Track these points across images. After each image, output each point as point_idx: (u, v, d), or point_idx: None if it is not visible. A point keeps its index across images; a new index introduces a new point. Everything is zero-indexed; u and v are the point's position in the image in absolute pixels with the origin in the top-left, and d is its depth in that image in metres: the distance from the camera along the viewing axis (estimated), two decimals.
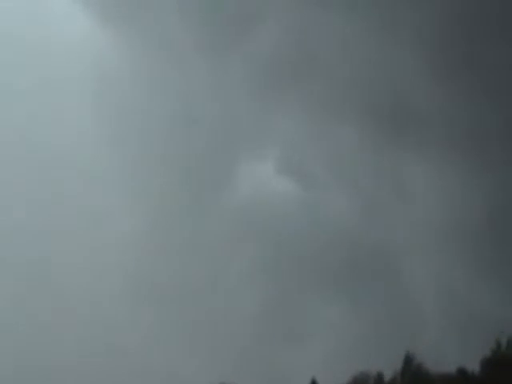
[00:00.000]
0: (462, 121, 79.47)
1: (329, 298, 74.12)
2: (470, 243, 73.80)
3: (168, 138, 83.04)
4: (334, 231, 77.87)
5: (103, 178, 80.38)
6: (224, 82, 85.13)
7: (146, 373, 68.47)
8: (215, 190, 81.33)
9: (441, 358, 62.69)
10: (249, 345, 70.60)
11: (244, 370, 66.27)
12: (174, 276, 75.21)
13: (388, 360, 64.09)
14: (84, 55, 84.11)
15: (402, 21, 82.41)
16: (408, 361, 62.24)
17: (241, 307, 73.79)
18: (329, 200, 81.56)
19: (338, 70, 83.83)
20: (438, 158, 79.95)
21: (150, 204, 79.66)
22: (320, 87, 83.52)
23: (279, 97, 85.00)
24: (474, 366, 61.49)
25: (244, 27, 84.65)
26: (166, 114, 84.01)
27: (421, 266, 75.74)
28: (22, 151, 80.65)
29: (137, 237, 76.82)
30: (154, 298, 73.38)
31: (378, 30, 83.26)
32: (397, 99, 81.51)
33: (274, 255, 76.68)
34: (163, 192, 79.62)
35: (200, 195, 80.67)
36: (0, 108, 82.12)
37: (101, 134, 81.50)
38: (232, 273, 76.04)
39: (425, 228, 77.44)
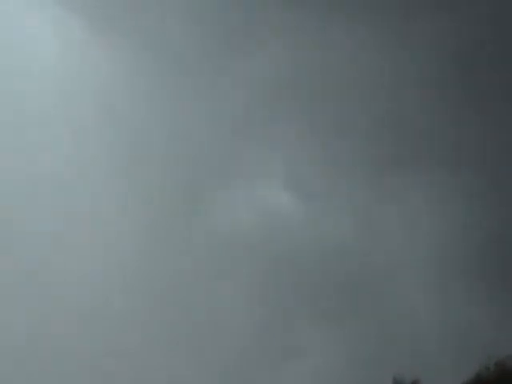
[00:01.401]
0: (464, 144, 79.90)
1: (324, 317, 73.34)
2: (467, 267, 73.73)
3: (165, 152, 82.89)
4: (333, 249, 77.49)
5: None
6: (224, 96, 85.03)
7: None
8: (201, 216, 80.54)
9: (433, 381, 63.12)
10: (239, 363, 69.74)
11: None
12: (166, 290, 74.27)
13: (379, 381, 64.49)
14: (78, 68, 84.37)
15: (405, 45, 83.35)
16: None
17: (234, 324, 73.08)
18: (329, 218, 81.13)
19: (340, 88, 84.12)
20: (440, 179, 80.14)
21: (145, 220, 79.09)
22: (323, 105, 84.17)
23: (281, 113, 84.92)
24: None
25: (245, 40, 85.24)
26: (163, 124, 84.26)
27: (418, 288, 75.12)
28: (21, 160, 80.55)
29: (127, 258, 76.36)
30: (148, 313, 72.54)
31: (381, 51, 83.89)
32: (399, 119, 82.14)
33: (271, 271, 76.15)
34: (159, 205, 79.31)
35: (198, 209, 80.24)
36: None
37: (96, 145, 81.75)
38: (226, 288, 75.15)
39: (426, 255, 77.23)
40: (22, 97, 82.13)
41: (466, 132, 79.61)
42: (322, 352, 71.50)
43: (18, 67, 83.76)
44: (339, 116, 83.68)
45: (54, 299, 71.70)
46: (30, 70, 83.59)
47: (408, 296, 74.67)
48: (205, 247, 78.08)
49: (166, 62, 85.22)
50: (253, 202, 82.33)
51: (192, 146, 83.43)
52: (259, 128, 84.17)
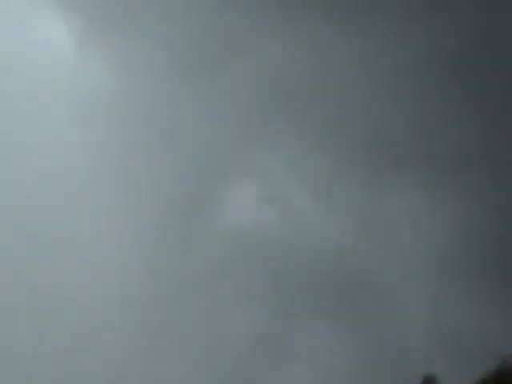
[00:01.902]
0: (464, 144, 79.77)
1: (318, 323, 73.70)
2: (468, 266, 73.74)
3: (153, 163, 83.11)
4: (333, 249, 78.05)
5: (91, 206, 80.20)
6: (209, 111, 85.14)
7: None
8: (201, 216, 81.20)
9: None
10: (239, 368, 70.21)
11: None
12: (162, 300, 74.48)
13: (382, 381, 64.57)
14: (71, 81, 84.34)
15: (393, 50, 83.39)
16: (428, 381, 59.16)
17: (230, 332, 73.43)
18: (315, 227, 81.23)
19: (323, 101, 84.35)
20: (422, 184, 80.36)
21: (136, 233, 79.35)
22: (306, 116, 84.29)
23: (263, 126, 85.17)
24: None
25: (232, 57, 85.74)
26: (150, 138, 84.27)
27: (412, 292, 75.53)
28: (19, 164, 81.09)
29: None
30: (146, 314, 73.03)
31: (367, 59, 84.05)
32: (382, 127, 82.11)
33: (264, 280, 76.32)
34: (149, 218, 79.50)
35: (186, 220, 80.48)
36: None
37: (88, 157, 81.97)
38: (221, 297, 75.48)
39: (414, 254, 77.62)
40: (17, 95, 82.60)
41: (466, 131, 79.64)
42: (324, 352, 71.87)
43: (16, 66, 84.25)
44: (339, 115, 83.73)
45: (56, 301, 72.07)
46: (28, 69, 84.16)
47: (409, 296, 74.94)
48: (208, 247, 78.54)
49: (167, 62, 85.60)
50: (252, 201, 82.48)
51: (195, 144, 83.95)
52: (259, 127, 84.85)
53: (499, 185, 75.99)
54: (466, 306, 71.73)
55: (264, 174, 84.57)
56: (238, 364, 70.61)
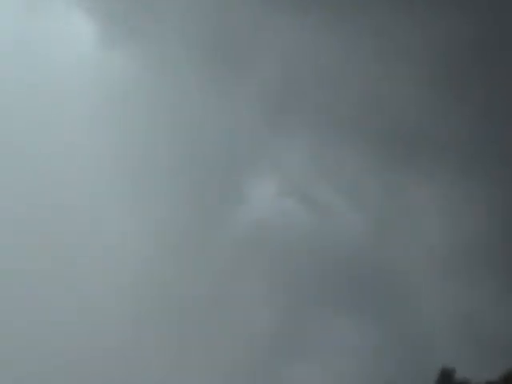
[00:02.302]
0: (467, 142, 79.06)
1: (339, 316, 73.54)
2: (478, 259, 73.26)
3: (173, 159, 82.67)
4: (341, 250, 77.40)
5: (106, 196, 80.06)
6: (230, 105, 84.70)
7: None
8: (221, 210, 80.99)
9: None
10: (259, 359, 70.13)
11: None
12: (180, 292, 74.46)
13: (399, 376, 63.96)
14: (86, 73, 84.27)
15: (410, 44, 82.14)
16: (445, 373, 58.68)
17: (250, 323, 73.27)
18: (335, 221, 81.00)
19: (345, 92, 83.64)
20: (446, 179, 79.59)
21: (157, 224, 79.20)
22: (327, 110, 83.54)
23: (285, 119, 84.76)
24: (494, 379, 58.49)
25: (245, 52, 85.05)
26: (170, 135, 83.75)
27: (431, 284, 75.06)
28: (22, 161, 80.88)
29: (145, 253, 76.74)
30: (161, 313, 72.74)
31: (385, 53, 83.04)
32: (405, 122, 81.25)
33: (283, 273, 76.17)
34: (169, 211, 79.43)
35: (206, 215, 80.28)
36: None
37: (104, 152, 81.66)
38: (240, 289, 75.33)
39: (433, 247, 76.98)
40: (23, 92, 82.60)
41: (470, 130, 78.62)
42: (336, 345, 71.28)
43: (24, 64, 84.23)
44: (360, 108, 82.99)
45: (60, 303, 72.00)
46: (37, 66, 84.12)
47: (432, 290, 74.77)
48: (229, 242, 78.42)
49: (186, 55, 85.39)
50: (263, 202, 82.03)
51: (215, 138, 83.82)
52: (280, 121, 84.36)
53: (506, 178, 75.11)
54: (488, 299, 71.24)
55: (285, 168, 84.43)
56: (257, 356, 70.36)
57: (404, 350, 69.15)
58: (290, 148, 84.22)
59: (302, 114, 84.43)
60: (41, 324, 71.03)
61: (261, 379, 68.23)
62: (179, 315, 73.12)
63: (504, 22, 78.03)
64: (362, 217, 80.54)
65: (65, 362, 68.17)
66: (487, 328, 69.37)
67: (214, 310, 73.37)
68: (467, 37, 78.88)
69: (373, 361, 69.16)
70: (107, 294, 73.02)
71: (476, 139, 78.48)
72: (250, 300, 74.39)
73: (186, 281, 74.95)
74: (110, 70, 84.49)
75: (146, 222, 79.25)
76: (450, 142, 79.91)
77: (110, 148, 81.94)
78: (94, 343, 70.40)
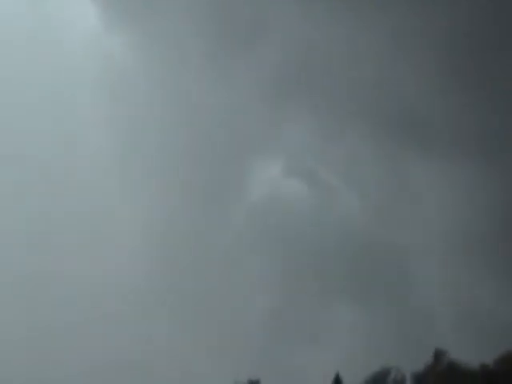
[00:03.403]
0: (467, 123, 79.58)
1: (341, 297, 74.40)
2: (478, 242, 73.88)
3: (179, 140, 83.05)
4: (343, 232, 78.25)
5: (113, 181, 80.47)
6: (234, 88, 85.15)
7: (163, 371, 68.63)
8: (227, 193, 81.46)
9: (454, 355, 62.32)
10: (269, 343, 70.56)
11: (266, 368, 66.05)
12: (189, 277, 75.13)
13: (404, 356, 64.19)
14: (96, 55, 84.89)
15: (411, 29, 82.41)
16: (439, 355, 61.77)
17: (258, 306, 73.78)
18: (337, 202, 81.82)
19: (345, 77, 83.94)
20: (444, 159, 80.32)
21: (165, 208, 79.73)
22: (329, 92, 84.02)
23: (289, 101, 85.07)
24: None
25: (252, 35, 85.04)
26: (176, 117, 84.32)
27: (431, 264, 75.69)
28: (32, 149, 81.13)
29: (150, 240, 77.28)
30: (170, 299, 73.27)
31: (387, 37, 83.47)
32: (404, 103, 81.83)
33: (287, 256, 76.90)
34: (176, 196, 79.79)
35: (212, 198, 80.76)
36: (8, 108, 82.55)
37: (111, 133, 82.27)
38: (246, 273, 75.85)
39: (434, 228, 77.65)
40: (25, 85, 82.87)
41: (474, 118, 79.23)
42: (341, 330, 72.61)
43: (29, 53, 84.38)
44: (365, 91, 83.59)
45: (67, 298, 72.58)
46: (43, 56, 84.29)
47: (430, 271, 75.14)
48: (234, 221, 79.23)
49: (191, 37, 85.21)
50: (267, 188, 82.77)
51: (219, 120, 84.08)
52: (269, 114, 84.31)
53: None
54: (487, 282, 71.74)
55: (288, 149, 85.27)
56: (268, 340, 71.13)
57: (403, 331, 70.00)
58: (294, 129, 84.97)
59: (306, 95, 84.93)
60: (45, 317, 71.89)
61: (265, 363, 68.43)
62: (183, 302, 73.81)
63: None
64: (362, 198, 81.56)
65: (68, 356, 68.94)
66: (484, 310, 70.30)
67: (217, 296, 73.89)
68: (475, 25, 79.52)
69: (371, 341, 69.69)
70: (110, 286, 73.94)
71: (477, 121, 79.25)
72: (251, 285, 74.95)
73: (191, 267, 75.54)
74: (112, 52, 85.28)
75: (150, 210, 79.81)
76: (451, 122, 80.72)
77: (113, 134, 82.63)
78: (96, 334, 71.07)
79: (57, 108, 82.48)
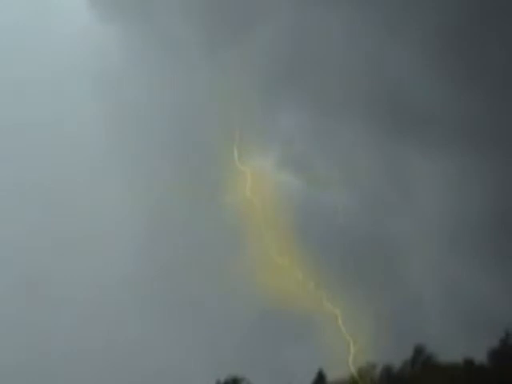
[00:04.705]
0: (462, 118, 78.65)
1: (332, 291, 73.32)
2: (473, 238, 73.48)
3: (168, 133, 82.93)
4: (336, 226, 77.53)
5: (102, 173, 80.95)
6: (225, 79, 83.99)
7: (148, 369, 69.90)
8: (217, 187, 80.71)
9: (446, 350, 63.27)
10: (253, 339, 71.35)
11: (249, 364, 67.49)
12: (176, 269, 75.54)
13: (393, 352, 65.05)
14: (86, 49, 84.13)
15: (405, 21, 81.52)
16: (418, 352, 63.62)
17: (245, 300, 73.57)
18: (331, 196, 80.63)
19: (340, 67, 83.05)
20: (439, 154, 79.26)
21: (152, 202, 79.83)
22: (322, 83, 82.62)
23: (282, 93, 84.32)
24: (479, 357, 62.50)
25: (245, 24, 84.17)
26: (166, 109, 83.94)
27: (424, 259, 75.42)
28: (22, 145, 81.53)
29: (136, 235, 77.33)
30: (157, 292, 73.95)
31: (381, 29, 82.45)
32: (399, 96, 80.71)
33: (278, 249, 76.03)
34: (165, 188, 79.83)
35: (202, 191, 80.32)
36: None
37: (101, 128, 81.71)
38: (235, 268, 75.40)
39: (428, 223, 77.26)
40: (23, 84, 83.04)
41: (469, 108, 78.12)
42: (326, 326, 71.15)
43: (24, 53, 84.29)
44: (342, 93, 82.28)
45: (55, 302, 72.90)
46: (37, 56, 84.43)
47: (415, 265, 75.28)
48: (226, 213, 78.28)
49: (170, 41, 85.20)
50: (260, 182, 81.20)
51: (194, 131, 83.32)
52: (262, 108, 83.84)
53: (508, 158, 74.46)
54: (480, 275, 71.21)
55: (281, 141, 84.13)
56: (252, 336, 71.83)
57: (390, 326, 69.03)
58: (286, 121, 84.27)
59: (302, 87, 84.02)
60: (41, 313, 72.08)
61: (257, 356, 69.24)
62: (172, 295, 74.38)
63: None
64: (358, 190, 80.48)
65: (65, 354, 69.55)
66: (473, 304, 70.10)
67: (209, 288, 74.52)
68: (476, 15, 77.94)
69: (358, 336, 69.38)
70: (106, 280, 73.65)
71: (476, 116, 77.96)
72: (247, 277, 74.48)
73: (180, 264, 75.96)
74: (103, 44, 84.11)
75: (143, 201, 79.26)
76: (447, 116, 79.41)
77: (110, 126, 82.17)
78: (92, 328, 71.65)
79: (49, 103, 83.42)
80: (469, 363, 61.92)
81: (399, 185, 79.68)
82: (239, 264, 75.23)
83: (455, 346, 62.96)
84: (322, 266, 73.70)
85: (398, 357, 64.04)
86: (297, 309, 71.95)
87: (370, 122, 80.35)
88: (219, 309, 73.92)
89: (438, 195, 77.69)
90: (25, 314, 72.89)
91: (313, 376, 66.72)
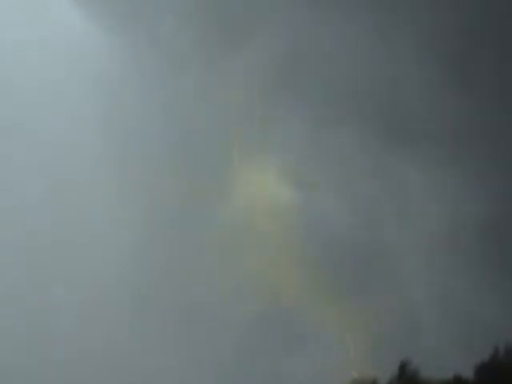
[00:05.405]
0: (456, 124, 78.85)
1: (325, 304, 74.16)
2: (468, 250, 73.61)
3: (164, 142, 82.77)
4: (332, 237, 77.76)
5: (97, 181, 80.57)
6: (223, 87, 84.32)
7: (148, 369, 70.35)
8: (213, 198, 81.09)
9: (438, 365, 63.32)
10: (245, 353, 71.21)
11: (247, 367, 68.44)
12: (171, 281, 75.58)
13: (383, 366, 64.43)
14: (82, 55, 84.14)
15: (400, 24, 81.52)
16: (403, 367, 62.64)
17: (238, 312, 74.15)
18: (328, 206, 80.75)
19: (339, 76, 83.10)
20: (433, 160, 79.58)
21: (147, 213, 79.80)
22: (320, 93, 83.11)
23: (279, 102, 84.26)
24: (471, 372, 61.69)
25: (243, 31, 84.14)
26: (163, 117, 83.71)
27: (418, 272, 75.71)
28: (20, 149, 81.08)
29: (134, 235, 77.81)
30: (151, 306, 73.79)
31: (380, 36, 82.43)
32: (398, 106, 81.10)
33: (273, 259, 77.10)
34: (160, 200, 79.87)
35: (198, 203, 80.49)
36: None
37: (98, 134, 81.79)
38: (231, 277, 76.14)
39: (424, 235, 77.44)
40: (20, 87, 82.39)
41: (465, 117, 78.50)
42: (326, 337, 72.11)
43: (17, 56, 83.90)
44: (355, 89, 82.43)
45: (55, 297, 73.28)
46: (29, 59, 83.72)
47: (409, 286, 75.00)
48: (207, 237, 78.57)
49: (165, 52, 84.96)
50: (252, 192, 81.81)
51: (191, 135, 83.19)
52: (257, 116, 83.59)
53: (500, 170, 75.05)
54: (474, 289, 71.79)
55: (278, 149, 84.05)
56: (243, 350, 71.68)
57: (385, 337, 70.18)
58: (280, 128, 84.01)
59: (298, 93, 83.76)
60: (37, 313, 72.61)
61: (248, 371, 69.41)
62: (166, 304, 74.19)
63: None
64: (352, 200, 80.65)
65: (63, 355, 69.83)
66: (469, 318, 70.70)
67: (205, 298, 74.50)
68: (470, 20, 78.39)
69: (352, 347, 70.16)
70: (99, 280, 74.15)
71: (469, 124, 78.21)
72: (237, 288, 75.17)
73: (175, 270, 75.96)
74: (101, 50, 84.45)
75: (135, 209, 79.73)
76: (444, 125, 79.69)
77: (104, 133, 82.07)
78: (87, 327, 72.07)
79: (49, 105, 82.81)
80: (457, 379, 61.56)
81: (396, 195, 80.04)
82: (234, 272, 76.19)
83: (447, 360, 64.07)
84: (318, 276, 74.89)
85: (386, 370, 63.36)
86: (290, 317, 73.62)
87: (369, 133, 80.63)
88: (217, 311, 74.32)
89: (435, 207, 78.31)
90: (24, 314, 73.03)
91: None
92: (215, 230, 78.49)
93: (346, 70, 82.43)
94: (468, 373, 61.59)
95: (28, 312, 72.70)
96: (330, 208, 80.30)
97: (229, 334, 73.32)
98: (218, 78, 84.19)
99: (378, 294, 74.28)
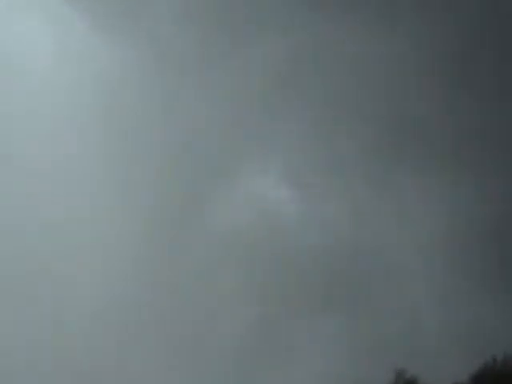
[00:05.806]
0: (462, 137, 78.63)
1: (321, 312, 73.63)
2: (467, 259, 73.15)
3: (164, 142, 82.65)
4: (331, 243, 77.42)
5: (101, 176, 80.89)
6: (223, 87, 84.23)
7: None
8: (211, 203, 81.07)
9: (436, 373, 61.95)
10: (236, 365, 70.75)
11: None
12: (165, 289, 75.08)
13: (381, 375, 63.13)
14: (82, 55, 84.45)
15: (404, 28, 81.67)
16: (399, 376, 61.55)
17: (228, 330, 73.69)
18: (327, 213, 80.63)
19: (340, 80, 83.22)
20: (437, 164, 79.49)
21: (147, 213, 79.58)
22: (321, 98, 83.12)
23: (279, 107, 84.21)
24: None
25: (243, 31, 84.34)
26: (163, 117, 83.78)
27: (418, 280, 75.22)
28: (20, 149, 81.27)
29: (134, 239, 77.51)
30: (137, 317, 73.42)
31: (380, 36, 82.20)
32: (398, 107, 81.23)
33: (268, 268, 76.32)
34: (155, 204, 79.69)
35: (195, 208, 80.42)
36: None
37: (98, 134, 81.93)
38: (226, 287, 75.72)
39: (424, 243, 76.80)
40: (21, 94, 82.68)
41: (466, 124, 78.28)
42: (322, 348, 71.78)
43: (17, 64, 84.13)
44: (338, 109, 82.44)
45: (54, 298, 73.17)
46: (29, 67, 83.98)
47: (408, 292, 74.60)
48: (204, 245, 78.36)
49: (166, 53, 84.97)
50: (252, 198, 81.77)
51: (192, 135, 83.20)
52: (258, 122, 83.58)
53: (500, 178, 74.67)
54: (473, 297, 71.25)
55: (275, 155, 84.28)
56: (236, 363, 71.09)
57: (385, 343, 69.79)
58: (281, 139, 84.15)
59: (297, 102, 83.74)
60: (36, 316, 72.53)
61: (243, 379, 69.04)
62: (163, 313, 73.67)
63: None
64: (352, 200, 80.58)
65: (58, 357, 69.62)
66: (468, 326, 69.94)
67: (200, 308, 74.06)
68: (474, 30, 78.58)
69: (353, 354, 69.67)
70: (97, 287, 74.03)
71: (465, 129, 78.05)
72: (228, 296, 74.72)
73: (169, 280, 75.34)
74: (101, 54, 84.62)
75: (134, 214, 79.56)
76: (443, 125, 79.46)
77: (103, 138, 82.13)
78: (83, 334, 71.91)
79: (34, 115, 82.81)
80: None
81: (395, 195, 79.76)
82: (224, 283, 75.82)
83: (445, 366, 63.26)
84: (315, 282, 74.31)
85: (384, 374, 62.16)
86: (282, 329, 73.34)
87: (365, 136, 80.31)
88: (217, 311, 74.23)
89: (435, 209, 78.07)
90: (24, 317, 73.07)
91: None
92: (213, 232, 78.49)
93: (346, 72, 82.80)
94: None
95: (28, 314, 72.74)
96: (329, 208, 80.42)
97: (221, 345, 73.15)
98: (218, 78, 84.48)
99: (374, 304, 74.31)
